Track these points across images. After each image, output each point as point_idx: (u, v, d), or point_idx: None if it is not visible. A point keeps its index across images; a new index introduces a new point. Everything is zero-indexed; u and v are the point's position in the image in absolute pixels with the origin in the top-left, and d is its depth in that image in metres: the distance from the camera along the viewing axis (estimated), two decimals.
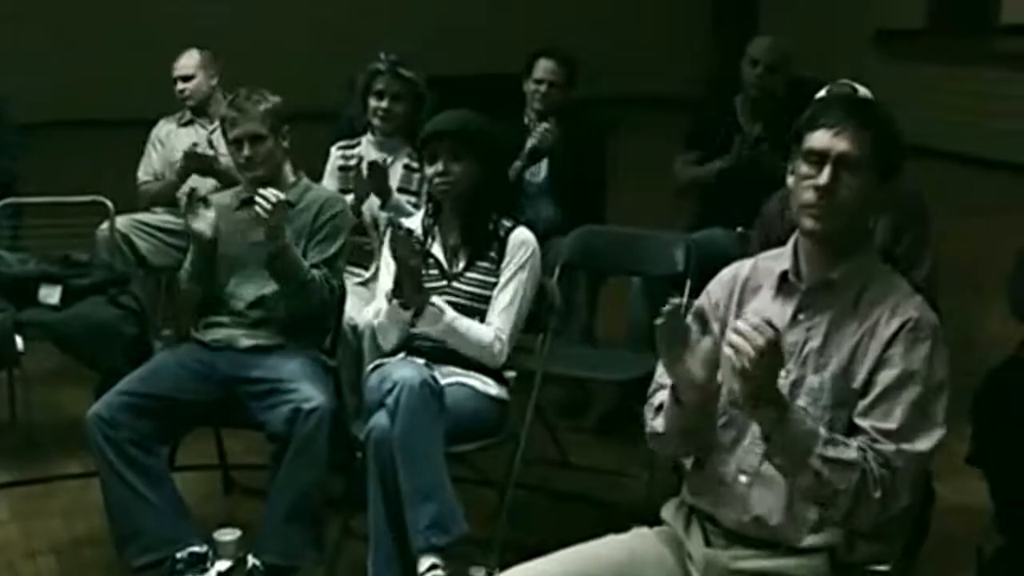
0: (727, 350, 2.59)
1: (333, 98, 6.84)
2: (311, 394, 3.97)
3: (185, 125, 6.34)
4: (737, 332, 2.58)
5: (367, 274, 5.08)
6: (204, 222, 4.23)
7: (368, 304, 4.59)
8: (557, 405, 5.40)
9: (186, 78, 6.27)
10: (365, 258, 5.09)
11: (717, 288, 3.01)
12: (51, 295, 5.18)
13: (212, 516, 4.50)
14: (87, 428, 4.03)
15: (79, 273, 5.25)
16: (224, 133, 4.41)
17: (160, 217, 6.06)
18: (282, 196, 4.11)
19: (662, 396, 2.88)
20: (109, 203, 5.71)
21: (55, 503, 4.79)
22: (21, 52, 12.45)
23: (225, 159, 5.99)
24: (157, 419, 4.08)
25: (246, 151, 4.31)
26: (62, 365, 5.51)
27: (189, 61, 6.31)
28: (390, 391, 3.78)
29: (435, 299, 4.00)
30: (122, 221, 5.87)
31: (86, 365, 5.17)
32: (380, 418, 3.81)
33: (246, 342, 4.26)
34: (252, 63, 8.31)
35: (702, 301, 2.99)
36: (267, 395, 4.05)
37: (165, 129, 6.34)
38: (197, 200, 4.23)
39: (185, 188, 4.65)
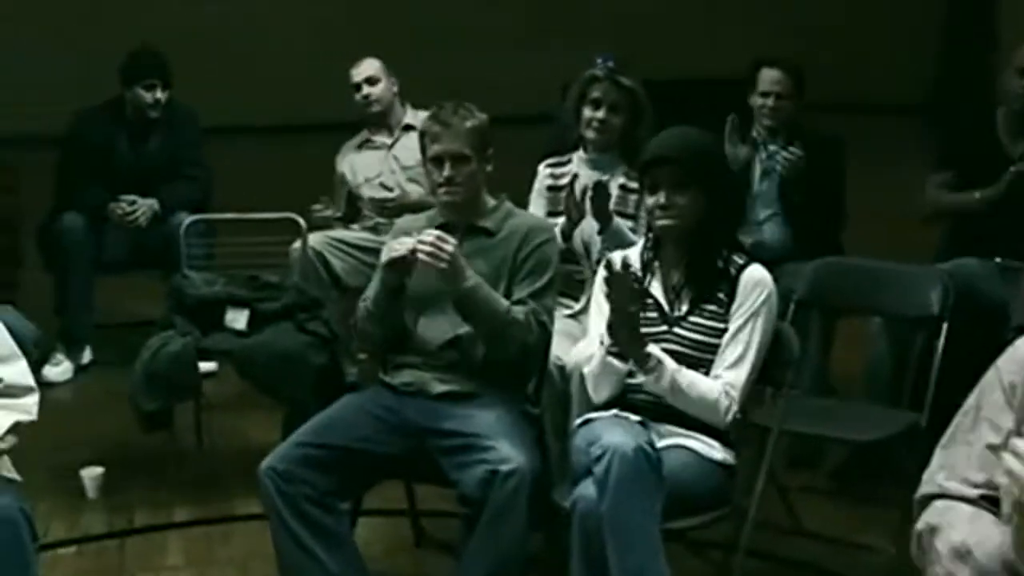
0: (1003, 478, 1.99)
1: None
2: (509, 454, 3.49)
3: (364, 146, 5.95)
4: (1017, 454, 1.98)
5: (577, 306, 4.57)
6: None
7: (577, 341, 4.11)
8: (785, 458, 4.81)
9: (371, 81, 5.86)
10: (575, 288, 4.58)
11: (1012, 366, 2.40)
12: (238, 320, 4.81)
13: (399, 572, 4.06)
14: (260, 482, 3.63)
15: (268, 296, 4.87)
16: (422, 149, 3.95)
17: (357, 234, 5.68)
18: (451, 241, 3.66)
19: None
20: (302, 221, 5.32)
21: (233, 549, 4.41)
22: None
23: (412, 186, 5.60)
24: (338, 473, 3.66)
25: (446, 171, 3.85)
26: (248, 389, 5.13)
27: (370, 66, 5.90)
28: (599, 458, 3.27)
29: (653, 348, 3.48)
30: (316, 238, 5.49)
31: (270, 396, 4.81)
32: (587, 488, 3.31)
33: (438, 388, 3.80)
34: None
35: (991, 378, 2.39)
36: (460, 451, 3.59)
37: (348, 160, 5.97)
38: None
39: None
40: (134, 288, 6.49)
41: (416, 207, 5.33)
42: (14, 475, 3.48)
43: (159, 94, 6.00)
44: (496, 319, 3.70)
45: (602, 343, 3.56)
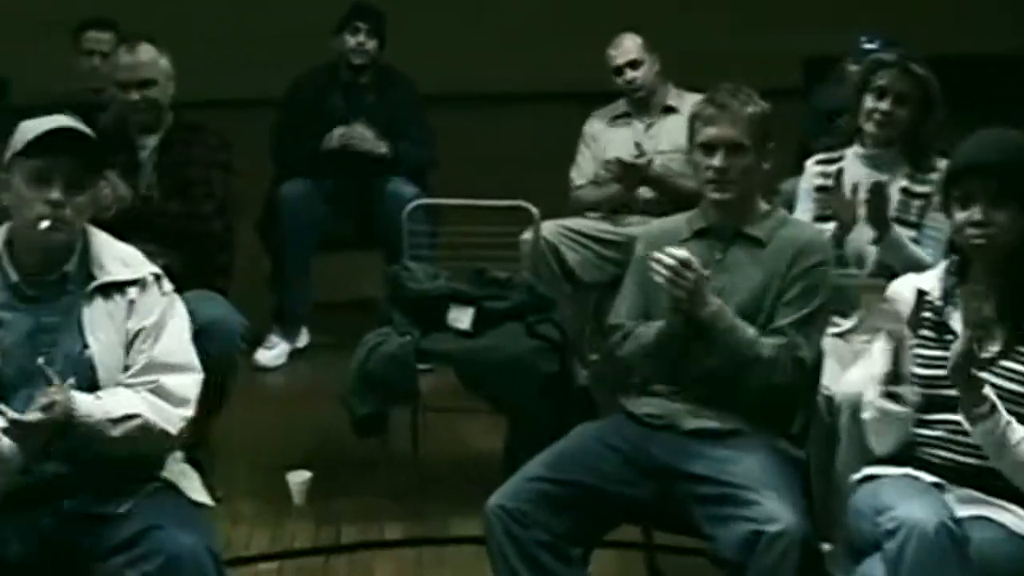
0: None
1: None
2: (776, 512, 2.96)
3: (617, 120, 5.40)
4: None
5: (847, 324, 3.99)
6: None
7: (848, 366, 3.56)
8: None
9: (634, 65, 5.31)
10: (846, 302, 3.99)
11: None
12: (461, 319, 4.37)
13: None
14: (486, 519, 3.18)
15: (495, 293, 4.41)
16: (691, 134, 3.42)
17: (594, 224, 5.17)
18: (695, 268, 3.14)
19: None
20: (534, 209, 4.84)
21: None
22: None
23: (661, 165, 5.07)
24: (574, 514, 3.19)
25: (718, 160, 3.32)
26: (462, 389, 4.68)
27: (632, 45, 5.35)
28: (891, 532, 2.72)
29: (989, 391, 2.90)
30: (549, 227, 5.00)
31: (493, 407, 4.36)
32: (874, 568, 2.77)
33: (691, 423, 3.28)
34: None
35: None
36: (717, 502, 3.07)
37: (596, 126, 5.43)
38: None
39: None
40: (357, 265, 6.09)
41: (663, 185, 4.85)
42: (204, 498, 3.11)
43: (364, 39, 5.63)
44: (737, 355, 3.20)
45: (881, 382, 3.00)
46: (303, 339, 5.74)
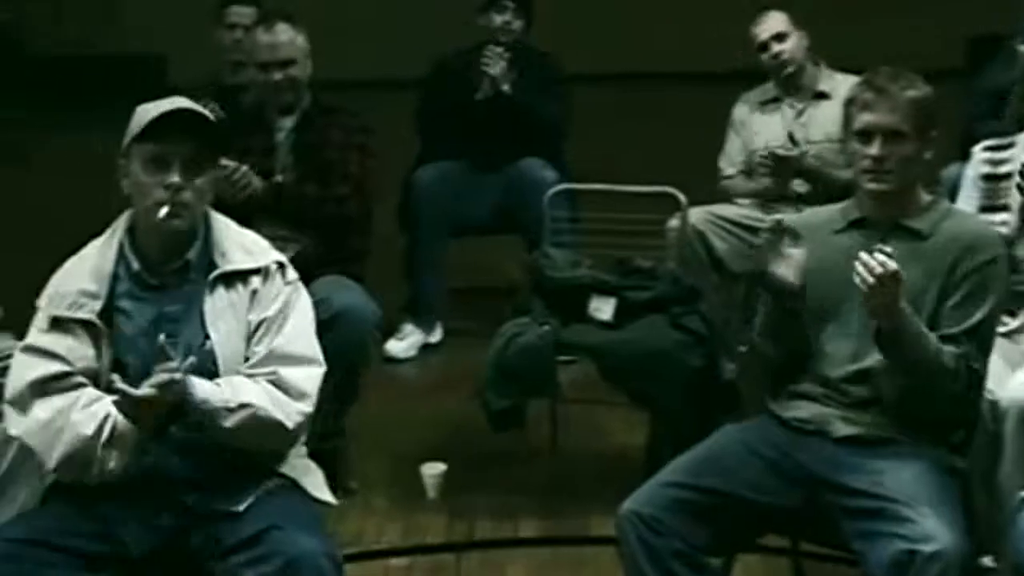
0: None
1: None
2: (933, 530, 2.75)
3: (767, 105, 5.15)
4: None
5: (1014, 323, 3.71)
6: (790, 266, 3.07)
7: (1016, 368, 3.33)
8: None
9: (780, 37, 5.06)
10: (1014, 301, 3.72)
11: None
12: (603, 309, 4.19)
13: None
14: (620, 526, 3.02)
15: (638, 284, 4.23)
16: (846, 120, 3.20)
17: (743, 211, 4.94)
18: (891, 265, 2.89)
19: None
20: (681, 196, 4.63)
21: None
22: None
23: (815, 155, 4.82)
24: (715, 524, 3.01)
25: (875, 149, 3.09)
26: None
27: (777, 18, 5.08)
28: None
29: None
30: (697, 214, 4.80)
31: (633, 400, 4.19)
32: None
33: (843, 429, 3.07)
34: None
35: None
36: (869, 517, 2.86)
37: (745, 111, 5.18)
38: (783, 235, 3.08)
39: (769, 220, 3.46)
40: (495, 251, 5.97)
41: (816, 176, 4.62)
42: (327, 496, 3.00)
43: (510, 18, 5.48)
44: (922, 366, 2.95)
45: None
46: (437, 333, 5.59)
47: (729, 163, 5.17)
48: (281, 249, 3.11)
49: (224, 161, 4.03)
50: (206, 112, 2.93)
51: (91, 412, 2.78)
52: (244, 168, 4.16)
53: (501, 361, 4.14)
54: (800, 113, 5.08)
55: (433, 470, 4.27)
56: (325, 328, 3.52)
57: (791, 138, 4.93)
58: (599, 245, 4.48)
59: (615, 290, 4.20)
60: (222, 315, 2.91)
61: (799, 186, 4.93)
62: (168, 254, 2.94)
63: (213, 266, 2.94)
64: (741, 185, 5.11)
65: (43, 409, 2.81)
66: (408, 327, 5.52)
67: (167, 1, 9.99)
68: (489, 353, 4.18)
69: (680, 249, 4.65)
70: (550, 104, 5.43)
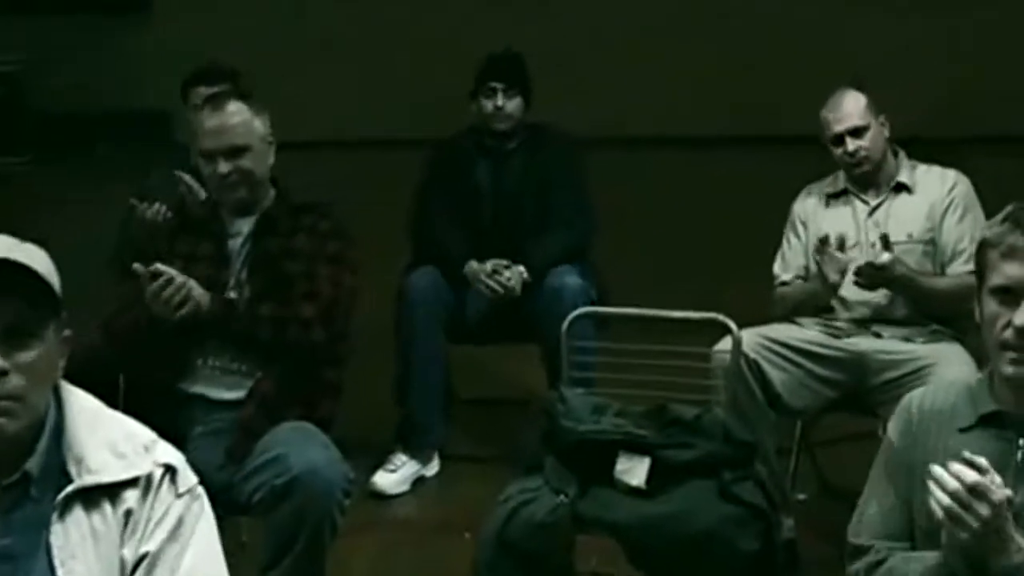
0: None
1: None
2: None
3: (835, 199, 4.26)
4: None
5: None
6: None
7: None
8: None
9: (857, 132, 4.14)
10: None
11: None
12: (634, 472, 3.30)
13: None
14: None
15: (678, 439, 3.33)
16: (980, 267, 2.31)
17: (807, 335, 4.03)
18: (994, 489, 2.05)
19: None
20: (731, 324, 3.72)
21: None
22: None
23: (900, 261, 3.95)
24: None
25: (1021, 317, 2.24)
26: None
27: (855, 106, 4.15)
28: None
29: None
30: (749, 339, 3.88)
31: None
32: None
33: None
34: None
35: None
36: None
37: (809, 206, 4.28)
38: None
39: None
40: (510, 353, 5.07)
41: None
42: None
43: (503, 102, 4.62)
44: None
45: None
46: (433, 466, 4.67)
47: (786, 268, 4.27)
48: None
49: (159, 267, 3.28)
50: (36, 262, 2.04)
51: None
52: (184, 279, 3.32)
53: (503, 537, 3.27)
54: (875, 209, 4.19)
55: None
56: (281, 495, 3.10)
57: (885, 242, 4.02)
58: (630, 384, 3.57)
59: (650, 448, 3.31)
60: (79, 550, 2.00)
61: (880, 298, 4.05)
62: None
63: (65, 478, 2.05)
64: (796, 293, 4.21)
65: None
66: (400, 457, 4.62)
67: (169, 56, 9.32)
68: (489, 522, 3.31)
69: (729, 382, 3.73)
70: (571, 209, 4.62)
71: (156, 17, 10.14)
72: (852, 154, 4.12)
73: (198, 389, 3.44)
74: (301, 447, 3.20)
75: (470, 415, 5.08)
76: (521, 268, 4.54)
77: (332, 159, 8.57)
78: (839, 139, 4.14)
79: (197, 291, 3.34)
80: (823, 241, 4.00)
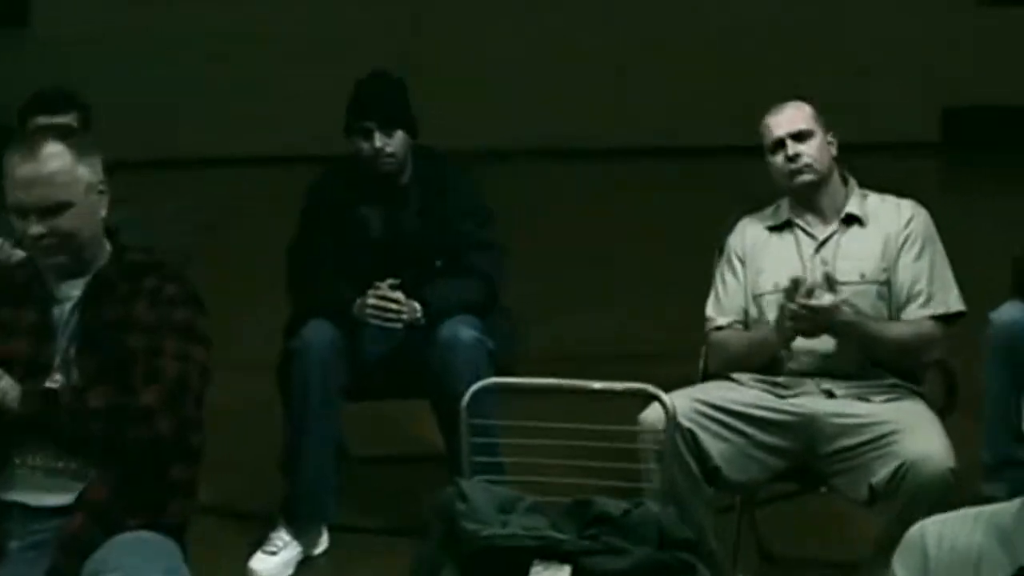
0: None
1: None
2: None
3: (779, 232, 3.73)
4: None
5: None
6: None
7: None
8: None
9: (800, 136, 3.64)
10: None
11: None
12: None
13: None
14: None
15: (606, 541, 2.76)
16: None
17: (746, 395, 3.47)
18: None
19: None
20: (664, 396, 3.13)
21: None
22: None
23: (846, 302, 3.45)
24: None
25: None
26: None
27: (799, 112, 3.69)
28: None
29: None
30: (682, 403, 3.30)
31: None
32: None
33: None
34: None
35: None
36: None
37: (746, 238, 3.75)
38: None
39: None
40: (402, 413, 4.60)
41: None
42: None
43: (381, 143, 3.99)
44: None
45: None
46: (322, 542, 4.07)
47: (721, 311, 3.72)
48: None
49: None
50: None
51: None
52: None
53: None
54: (822, 244, 3.66)
55: None
56: None
57: (829, 281, 3.48)
58: (544, 469, 2.98)
59: (571, 555, 2.74)
60: None
61: (823, 345, 3.52)
62: None
63: None
64: (735, 342, 3.66)
65: None
66: (282, 536, 4.00)
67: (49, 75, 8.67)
68: None
69: (665, 469, 3.15)
70: (476, 253, 4.05)
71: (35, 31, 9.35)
72: (793, 158, 3.61)
73: (14, 495, 2.82)
74: (139, 570, 2.59)
75: (364, 475, 4.52)
76: (416, 304, 3.96)
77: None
78: (779, 144, 3.64)
79: (5, 384, 2.71)
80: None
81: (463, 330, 3.87)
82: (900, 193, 3.77)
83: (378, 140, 3.98)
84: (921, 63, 9.05)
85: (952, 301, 3.60)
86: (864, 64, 9.02)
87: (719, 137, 8.19)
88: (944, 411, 3.54)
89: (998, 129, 8.86)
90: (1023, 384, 3.99)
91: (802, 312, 3.41)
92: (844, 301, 3.46)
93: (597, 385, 3.08)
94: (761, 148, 3.73)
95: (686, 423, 3.29)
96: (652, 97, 9.06)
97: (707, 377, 3.67)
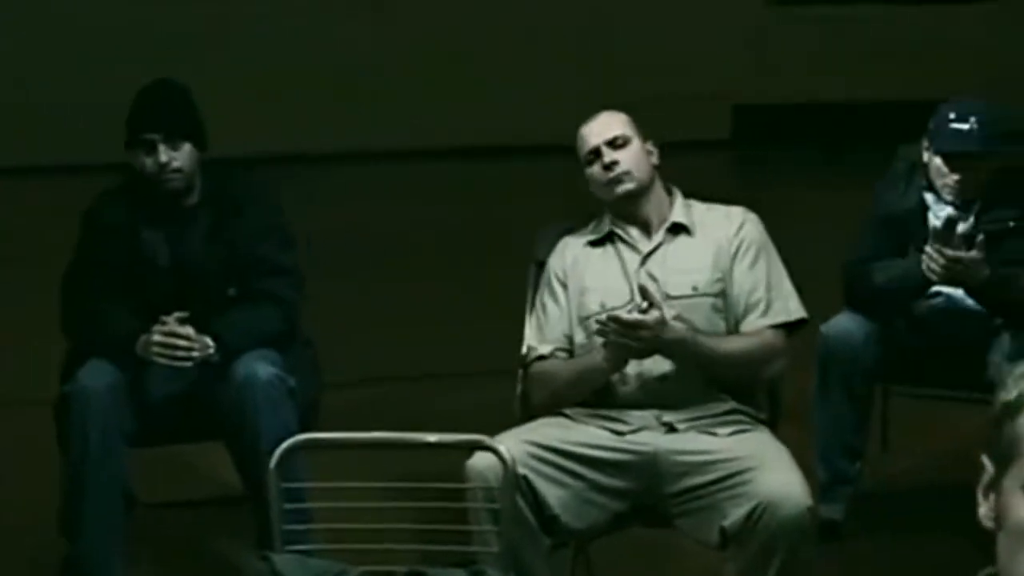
0: None
1: None
2: None
3: (601, 245, 3.46)
4: None
5: None
6: None
7: None
8: None
9: (615, 143, 3.39)
10: None
11: None
12: None
13: None
14: None
15: None
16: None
17: (581, 435, 3.17)
18: None
19: None
20: (501, 448, 2.80)
21: None
22: None
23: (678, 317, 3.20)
24: None
25: None
26: None
27: (616, 119, 3.48)
28: None
29: None
30: (513, 446, 2.98)
31: None
32: None
33: None
34: None
35: None
36: None
37: (567, 258, 3.47)
38: None
39: None
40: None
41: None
42: None
43: (166, 157, 3.60)
44: None
45: None
46: None
47: (542, 338, 3.41)
48: None
49: None
50: None
51: None
52: None
53: None
54: (648, 255, 3.39)
55: None
56: None
57: (643, 293, 3.21)
58: (364, 534, 2.63)
59: None
60: None
61: (657, 366, 3.25)
62: None
63: None
64: (563, 374, 3.36)
65: None
66: None
67: None
68: None
69: (504, 531, 2.82)
70: (273, 280, 3.68)
71: None
72: (610, 166, 3.36)
73: None
74: None
75: (155, 522, 4.13)
76: (208, 339, 3.56)
77: None
78: (595, 153, 3.40)
79: None
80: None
81: (261, 366, 3.50)
82: (727, 201, 3.56)
83: (163, 154, 3.56)
84: (711, 61, 9.03)
85: (793, 308, 3.37)
86: (655, 64, 8.92)
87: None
88: (768, 423, 3.33)
89: (786, 126, 8.95)
90: (858, 399, 3.87)
91: (612, 326, 3.14)
92: (676, 316, 3.20)
93: (432, 438, 2.73)
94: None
95: (521, 469, 2.97)
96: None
97: (528, 411, 3.38)
